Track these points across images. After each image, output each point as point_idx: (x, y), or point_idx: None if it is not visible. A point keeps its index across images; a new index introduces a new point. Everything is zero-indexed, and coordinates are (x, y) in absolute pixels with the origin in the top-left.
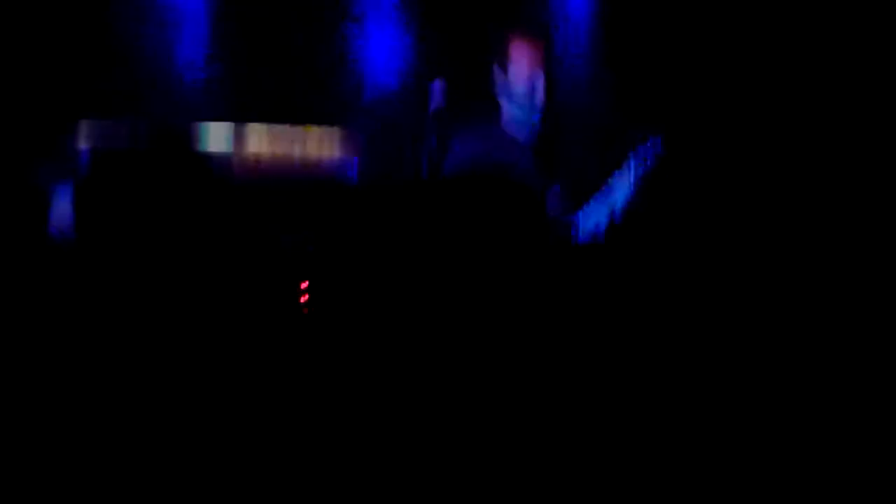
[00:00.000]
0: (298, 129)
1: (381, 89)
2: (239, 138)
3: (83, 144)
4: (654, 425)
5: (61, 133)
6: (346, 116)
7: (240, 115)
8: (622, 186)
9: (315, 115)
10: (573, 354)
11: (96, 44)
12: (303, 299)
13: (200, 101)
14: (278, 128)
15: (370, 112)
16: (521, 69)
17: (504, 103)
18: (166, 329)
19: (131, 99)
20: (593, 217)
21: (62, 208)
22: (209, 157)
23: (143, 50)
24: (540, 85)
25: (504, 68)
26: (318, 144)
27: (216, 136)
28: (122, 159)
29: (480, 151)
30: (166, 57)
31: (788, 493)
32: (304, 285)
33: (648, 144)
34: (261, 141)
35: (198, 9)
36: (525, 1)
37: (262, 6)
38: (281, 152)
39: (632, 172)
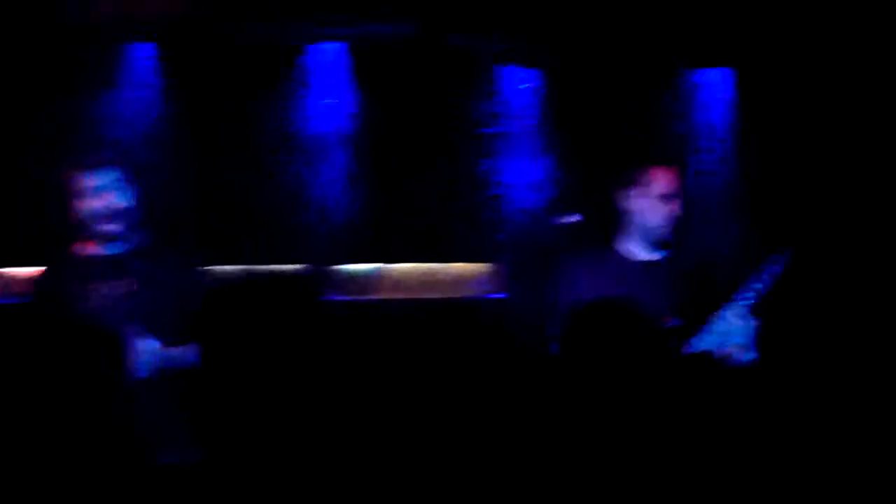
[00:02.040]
0: (443, 267)
1: (523, 224)
2: (385, 277)
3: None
4: None
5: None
6: (490, 251)
7: (385, 255)
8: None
9: (459, 253)
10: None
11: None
12: None
13: (346, 243)
14: (423, 266)
15: (513, 247)
16: (659, 200)
17: (636, 233)
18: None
19: (277, 243)
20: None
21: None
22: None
23: (285, 193)
24: (673, 211)
25: (642, 199)
26: (464, 281)
27: (362, 277)
28: (243, 301)
29: (605, 286)
30: (310, 199)
31: None
32: None
33: (773, 263)
34: (407, 278)
35: (338, 150)
36: (657, 129)
37: (400, 147)
38: (428, 288)
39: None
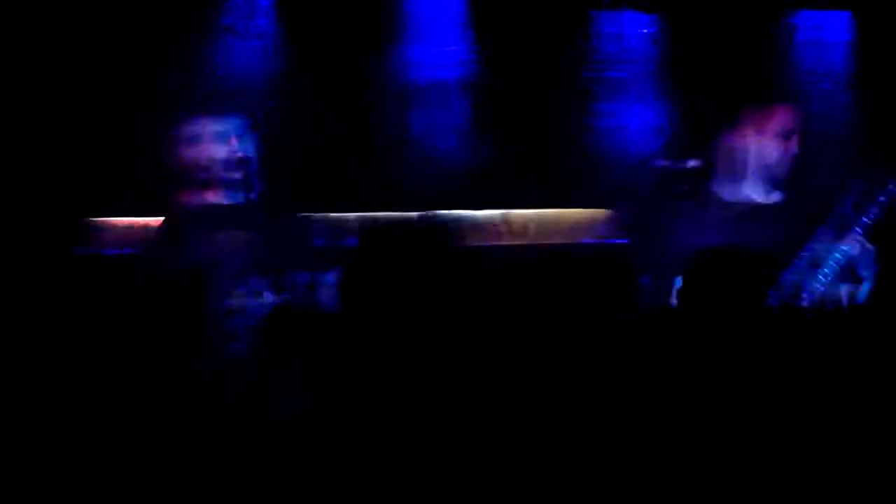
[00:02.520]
0: (566, 213)
1: (643, 171)
2: (507, 224)
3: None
4: None
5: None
6: (613, 198)
7: (507, 203)
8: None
9: (581, 199)
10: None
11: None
12: None
13: (468, 189)
14: (546, 212)
15: (633, 192)
16: (778, 138)
17: (752, 175)
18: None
19: (399, 188)
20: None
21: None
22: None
23: (404, 141)
24: (791, 150)
25: (761, 138)
26: (587, 227)
27: (485, 223)
28: (388, 244)
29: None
30: (431, 144)
31: None
32: None
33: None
34: (530, 225)
35: (457, 96)
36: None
37: (517, 93)
38: (550, 235)
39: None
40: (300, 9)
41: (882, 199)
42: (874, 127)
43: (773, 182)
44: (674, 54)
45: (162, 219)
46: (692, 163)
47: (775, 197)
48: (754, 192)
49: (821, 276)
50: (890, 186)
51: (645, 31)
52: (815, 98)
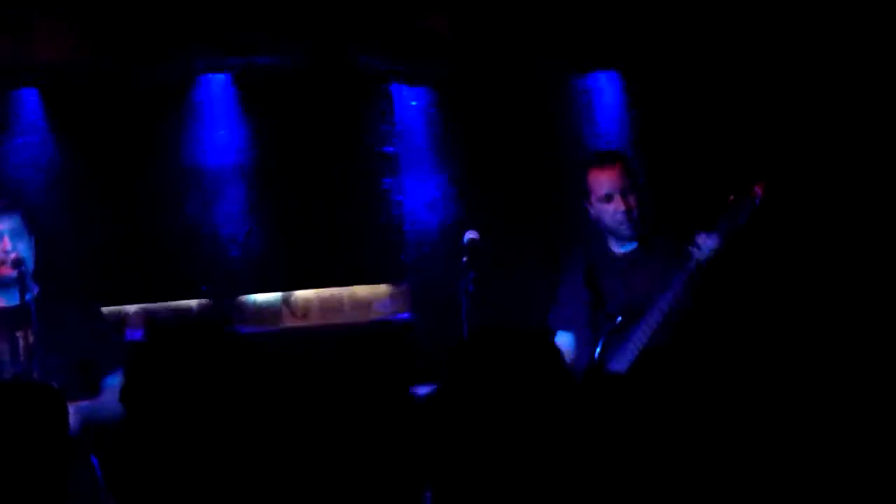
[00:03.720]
0: (347, 291)
1: (424, 243)
2: (290, 306)
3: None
4: None
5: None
6: (395, 274)
7: (289, 284)
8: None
9: (362, 276)
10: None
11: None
12: None
13: (249, 273)
14: (327, 292)
15: (418, 268)
16: (602, 185)
17: (605, 229)
18: None
19: (183, 279)
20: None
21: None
22: (254, 334)
23: (184, 228)
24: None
25: (591, 204)
26: (369, 304)
27: (267, 307)
28: (169, 342)
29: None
30: (210, 232)
31: None
32: None
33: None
34: (312, 304)
35: (235, 181)
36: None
37: (300, 173)
38: (333, 313)
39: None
40: (72, 100)
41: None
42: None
43: (623, 237)
44: (455, 127)
45: None
46: (473, 235)
47: (630, 248)
48: (615, 244)
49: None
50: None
51: (425, 104)
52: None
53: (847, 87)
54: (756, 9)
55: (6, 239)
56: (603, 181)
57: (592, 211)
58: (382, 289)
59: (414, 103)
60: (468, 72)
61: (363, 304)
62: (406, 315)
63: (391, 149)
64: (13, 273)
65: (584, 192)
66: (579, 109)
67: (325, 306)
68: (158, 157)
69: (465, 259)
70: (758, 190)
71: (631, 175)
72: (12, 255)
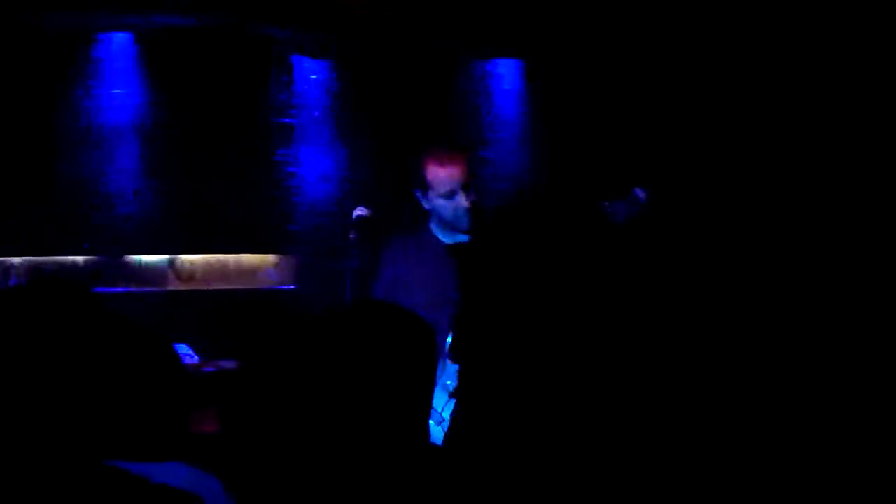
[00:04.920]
0: (235, 257)
1: (314, 216)
2: (176, 269)
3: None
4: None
5: None
6: (283, 245)
7: (177, 247)
8: None
9: (250, 244)
10: None
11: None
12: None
13: (137, 234)
14: (214, 258)
15: (305, 239)
16: (443, 183)
17: (435, 221)
18: None
19: (72, 235)
20: None
21: None
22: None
23: (75, 184)
24: (462, 203)
25: (428, 197)
26: (255, 270)
27: (153, 268)
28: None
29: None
30: (101, 190)
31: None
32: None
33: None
34: (198, 269)
35: (130, 140)
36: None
37: (192, 137)
38: (219, 279)
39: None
40: None
41: None
42: (546, 172)
43: (457, 230)
44: (352, 102)
45: None
46: (364, 211)
47: (463, 239)
48: (443, 234)
49: None
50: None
51: (325, 78)
52: (493, 144)
53: (750, 80)
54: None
55: None
56: (445, 177)
57: (427, 203)
58: (269, 258)
59: (315, 76)
60: (372, 48)
61: (249, 272)
62: (290, 286)
63: (289, 120)
64: None
65: (421, 183)
66: (478, 93)
67: (211, 271)
68: (55, 111)
69: (353, 235)
70: (639, 193)
71: (472, 170)
72: None
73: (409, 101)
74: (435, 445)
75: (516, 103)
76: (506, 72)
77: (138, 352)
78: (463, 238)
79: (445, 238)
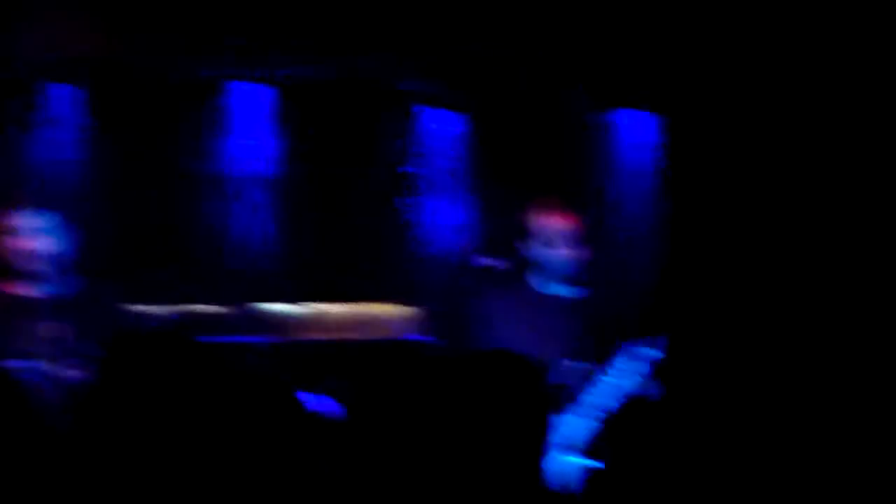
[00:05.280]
0: (366, 306)
1: (446, 265)
2: (307, 317)
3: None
4: None
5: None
6: (412, 295)
7: (306, 296)
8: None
9: (380, 294)
10: None
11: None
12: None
13: (268, 283)
14: (344, 307)
15: (436, 288)
16: (545, 231)
17: (538, 271)
18: None
19: (199, 282)
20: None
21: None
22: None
23: (208, 232)
24: (569, 254)
25: (535, 245)
26: (384, 321)
27: (282, 318)
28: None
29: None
30: (233, 239)
31: None
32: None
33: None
34: (330, 318)
35: (263, 190)
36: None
37: (323, 187)
38: (351, 329)
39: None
40: (115, 101)
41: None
42: (677, 224)
43: (561, 279)
44: (483, 153)
45: None
46: (493, 261)
47: (567, 291)
48: (547, 284)
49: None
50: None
51: (455, 128)
52: (625, 197)
53: None
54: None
55: (38, 236)
56: (557, 226)
57: (532, 251)
58: (398, 308)
59: (445, 127)
60: (499, 99)
61: (379, 322)
62: (418, 336)
63: (417, 170)
64: (45, 267)
65: (524, 231)
66: (606, 144)
67: (341, 321)
68: (188, 159)
69: (479, 284)
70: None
71: (583, 224)
72: (48, 249)
73: (539, 152)
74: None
75: (650, 156)
76: (637, 124)
77: (249, 400)
78: (567, 289)
79: (544, 287)
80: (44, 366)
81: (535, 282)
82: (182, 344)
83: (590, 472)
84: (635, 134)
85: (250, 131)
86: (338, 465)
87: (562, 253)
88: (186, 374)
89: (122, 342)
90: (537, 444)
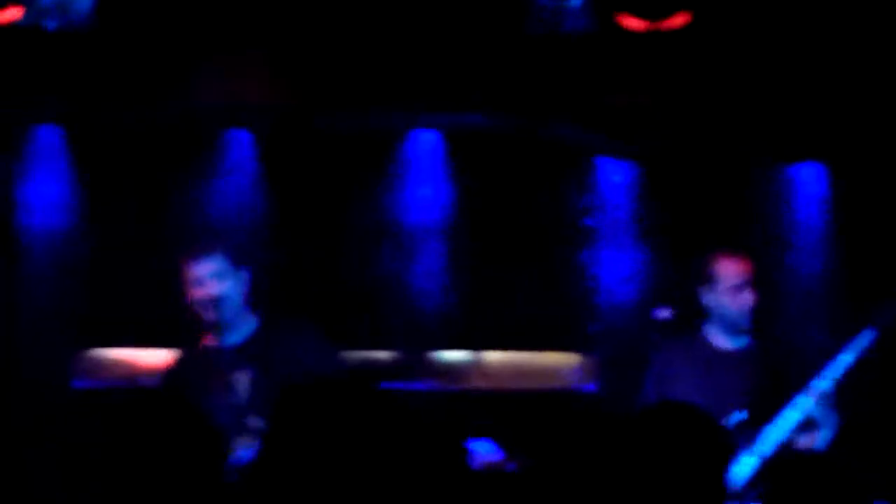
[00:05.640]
0: (537, 355)
1: (616, 316)
2: (478, 364)
3: None
4: None
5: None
6: (583, 343)
7: (479, 343)
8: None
9: (552, 342)
10: None
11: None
12: None
13: (439, 330)
14: (516, 356)
15: (607, 339)
16: (728, 290)
17: (714, 321)
18: None
19: (376, 330)
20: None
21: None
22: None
23: (382, 282)
24: (747, 300)
25: (713, 291)
26: (557, 370)
27: (454, 365)
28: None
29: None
30: (404, 287)
31: None
32: None
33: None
34: (500, 367)
35: (434, 239)
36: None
37: (495, 236)
38: (520, 378)
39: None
40: (281, 144)
41: (846, 361)
42: (849, 281)
43: (736, 329)
44: (654, 204)
45: (172, 359)
46: (667, 312)
47: (740, 343)
48: (721, 336)
49: (780, 429)
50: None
51: (627, 179)
52: (791, 250)
53: None
54: None
55: (210, 282)
56: (738, 271)
57: (710, 298)
58: (571, 358)
59: (618, 177)
60: (669, 149)
61: (550, 372)
62: (591, 386)
63: (590, 221)
64: (219, 314)
65: (707, 279)
66: (778, 197)
67: (513, 370)
68: (361, 207)
69: (654, 336)
70: None
71: (757, 272)
72: (216, 295)
73: (709, 202)
74: None
75: (818, 209)
76: (808, 176)
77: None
78: (742, 340)
79: (720, 340)
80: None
81: (711, 333)
82: (359, 392)
83: None
84: (808, 187)
85: (425, 181)
86: None
87: (742, 299)
88: (363, 421)
89: (299, 391)
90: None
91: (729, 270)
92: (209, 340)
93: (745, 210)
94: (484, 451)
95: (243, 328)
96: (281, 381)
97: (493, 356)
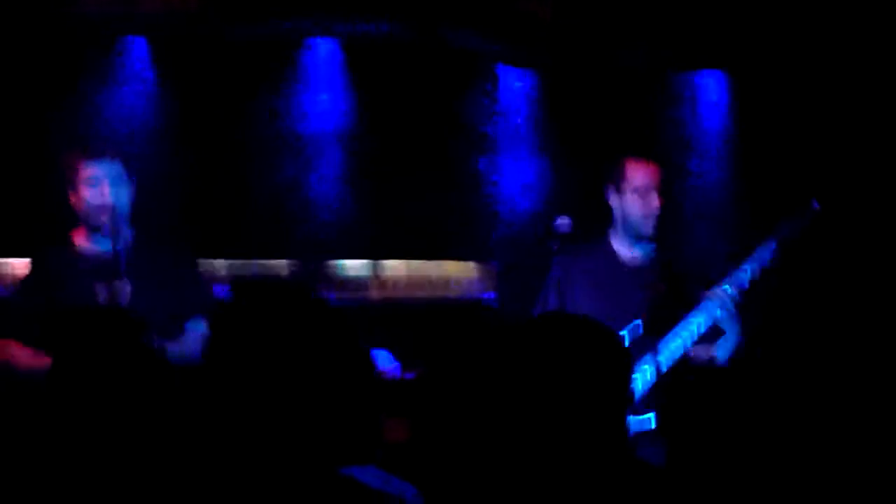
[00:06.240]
0: (436, 264)
1: (515, 224)
2: (377, 274)
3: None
4: None
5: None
6: (483, 252)
7: (378, 252)
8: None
9: (451, 251)
10: None
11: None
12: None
13: (338, 240)
14: (414, 265)
15: (505, 247)
16: (636, 193)
17: (621, 225)
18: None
19: (273, 240)
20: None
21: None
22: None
23: (277, 189)
24: (653, 205)
25: (621, 194)
26: (456, 279)
27: (352, 275)
28: (254, 294)
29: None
30: (302, 196)
31: None
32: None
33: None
34: (399, 276)
35: (332, 147)
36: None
37: (394, 145)
38: (419, 287)
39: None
40: (178, 52)
41: (753, 265)
42: (749, 186)
43: (638, 236)
44: (554, 111)
45: (30, 261)
46: (565, 220)
47: (643, 252)
48: (624, 245)
49: (686, 336)
50: (761, 255)
51: (527, 87)
52: (693, 156)
53: None
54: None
55: (106, 184)
56: (645, 174)
57: (617, 199)
58: (470, 267)
59: (518, 85)
60: (570, 58)
61: (449, 281)
62: (490, 295)
63: (490, 129)
64: (106, 221)
65: (615, 179)
66: (679, 105)
67: (412, 279)
68: (258, 115)
69: (554, 244)
70: (814, 204)
71: (664, 178)
72: (109, 201)
73: (610, 111)
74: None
75: (722, 115)
76: (709, 83)
77: (341, 355)
78: (645, 248)
79: (623, 249)
80: None
81: (615, 241)
82: (306, 297)
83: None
84: (707, 94)
85: (323, 89)
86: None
87: (648, 203)
88: (308, 325)
89: (246, 289)
90: (618, 411)
91: (637, 173)
92: (84, 243)
93: (647, 119)
94: (381, 360)
95: (121, 238)
96: (154, 295)
97: (393, 265)
